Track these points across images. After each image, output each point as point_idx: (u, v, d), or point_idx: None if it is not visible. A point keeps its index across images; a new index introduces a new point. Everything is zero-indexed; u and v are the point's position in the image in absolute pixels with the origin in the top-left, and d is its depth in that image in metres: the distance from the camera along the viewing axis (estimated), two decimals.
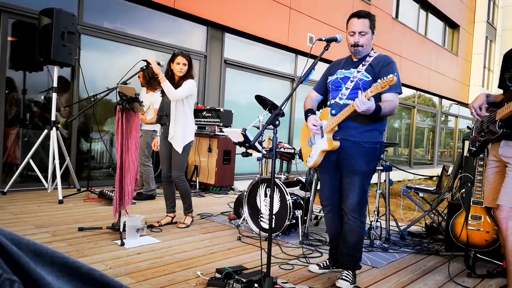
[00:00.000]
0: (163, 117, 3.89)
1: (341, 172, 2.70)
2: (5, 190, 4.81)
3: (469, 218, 3.18)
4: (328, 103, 2.78)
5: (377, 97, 2.56)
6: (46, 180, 5.01)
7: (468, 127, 3.16)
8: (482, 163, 3.05)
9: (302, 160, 3.02)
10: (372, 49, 2.72)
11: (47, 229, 3.51)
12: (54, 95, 4.87)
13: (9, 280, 0.49)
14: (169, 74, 3.83)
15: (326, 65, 3.00)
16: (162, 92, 3.86)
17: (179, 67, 3.76)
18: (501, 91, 2.71)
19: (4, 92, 5.07)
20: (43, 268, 0.56)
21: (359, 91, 2.46)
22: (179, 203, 4.03)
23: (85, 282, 0.63)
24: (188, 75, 3.83)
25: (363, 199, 2.65)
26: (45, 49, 4.64)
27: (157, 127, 5.29)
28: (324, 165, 2.75)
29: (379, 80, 2.34)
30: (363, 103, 2.35)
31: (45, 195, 4.90)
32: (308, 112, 2.77)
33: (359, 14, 2.62)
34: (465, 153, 4.07)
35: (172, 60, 3.82)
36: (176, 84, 3.78)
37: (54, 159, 4.79)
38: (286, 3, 8.42)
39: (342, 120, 2.56)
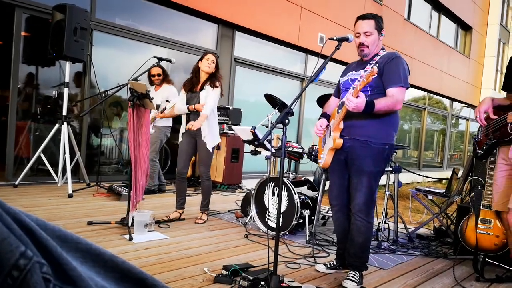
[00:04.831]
0: (191, 115, 3.96)
1: (349, 172, 2.71)
2: (16, 183, 4.87)
3: (479, 221, 3.14)
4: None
5: (383, 93, 2.56)
6: (57, 174, 5.06)
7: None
8: (493, 166, 3.01)
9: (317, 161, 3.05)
10: (383, 48, 2.71)
11: (56, 222, 3.55)
12: (66, 90, 4.92)
13: (38, 263, 0.51)
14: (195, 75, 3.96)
15: (336, 65, 3.01)
16: (190, 90, 3.96)
17: (207, 63, 3.87)
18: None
19: (17, 86, 5.14)
20: (68, 253, 0.58)
21: (349, 90, 2.49)
22: (188, 201, 4.04)
23: (108, 269, 0.64)
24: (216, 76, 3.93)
25: (370, 199, 2.65)
26: (58, 44, 4.69)
27: (170, 122, 5.31)
28: (334, 165, 2.77)
29: (362, 74, 2.38)
30: (350, 100, 2.38)
31: (55, 189, 4.96)
32: (321, 116, 2.84)
33: (364, 16, 2.66)
34: None
35: (201, 58, 3.94)
36: (203, 83, 3.90)
37: (64, 153, 4.84)
38: (297, 2, 8.40)
39: (341, 119, 2.59)
